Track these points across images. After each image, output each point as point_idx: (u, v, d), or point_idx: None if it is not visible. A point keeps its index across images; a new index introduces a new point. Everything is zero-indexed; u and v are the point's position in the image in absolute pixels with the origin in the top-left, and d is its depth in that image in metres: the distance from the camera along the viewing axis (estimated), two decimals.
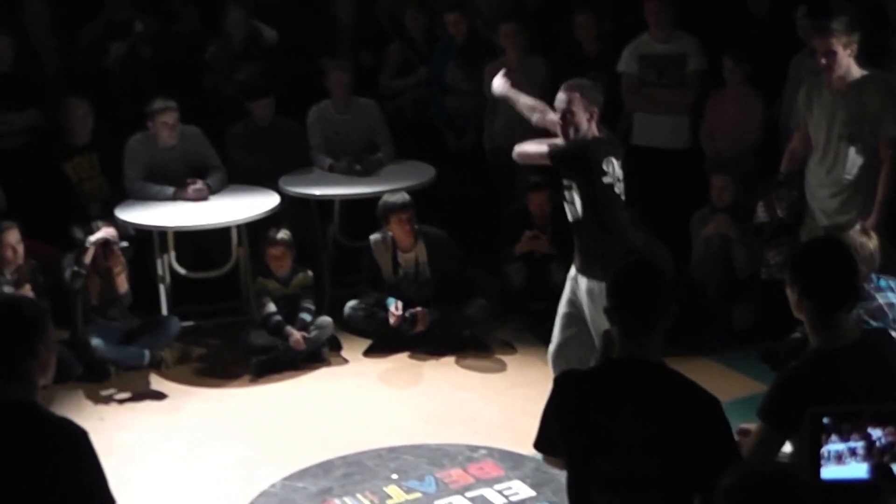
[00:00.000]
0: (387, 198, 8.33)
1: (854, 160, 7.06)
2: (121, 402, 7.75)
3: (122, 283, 8.04)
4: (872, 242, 5.55)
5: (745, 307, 8.25)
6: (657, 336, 3.93)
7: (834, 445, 3.31)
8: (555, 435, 3.97)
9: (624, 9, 9.70)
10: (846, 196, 7.12)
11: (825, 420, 3.28)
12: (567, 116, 6.16)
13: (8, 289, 7.50)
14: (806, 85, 7.29)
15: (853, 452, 3.35)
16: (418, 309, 8.26)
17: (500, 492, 6.51)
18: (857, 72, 6.96)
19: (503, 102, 9.39)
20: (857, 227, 5.77)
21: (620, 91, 8.97)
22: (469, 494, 6.48)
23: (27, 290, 7.53)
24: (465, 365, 8.14)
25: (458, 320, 8.38)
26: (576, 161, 6.16)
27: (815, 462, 3.25)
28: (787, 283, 4.14)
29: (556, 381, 4.02)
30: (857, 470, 3.35)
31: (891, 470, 3.53)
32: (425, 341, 8.36)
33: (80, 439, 3.75)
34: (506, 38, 9.32)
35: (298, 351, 8.05)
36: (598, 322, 5.96)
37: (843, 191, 7.12)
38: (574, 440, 3.90)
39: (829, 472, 3.45)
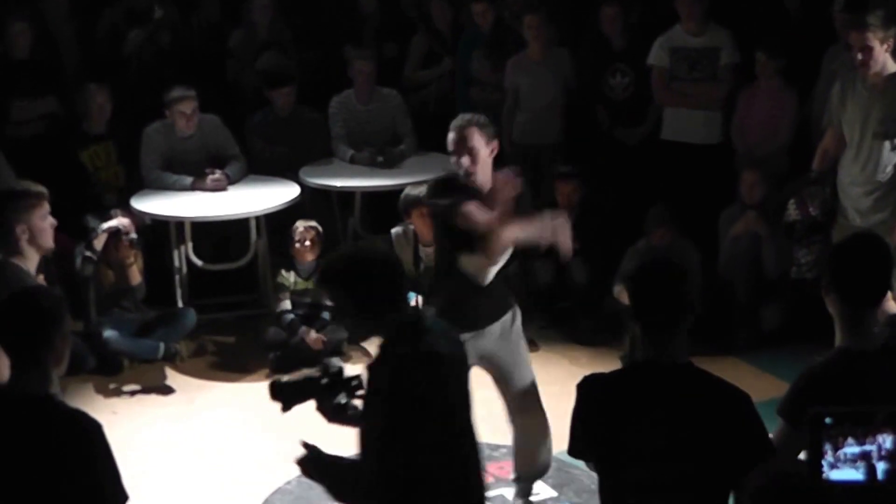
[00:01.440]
0: (409, 191, 8.28)
1: (889, 158, 7.01)
2: (134, 395, 7.73)
3: (135, 275, 8.03)
4: None
5: (775, 307, 8.20)
6: (681, 335, 3.88)
7: (850, 448, 3.27)
8: (584, 441, 3.93)
9: (652, 1, 9.66)
10: (880, 194, 7.07)
11: (828, 420, 3.24)
12: (473, 155, 5.62)
13: None
14: (840, 80, 7.22)
15: (866, 456, 3.31)
16: None
17: None
18: (893, 67, 6.89)
19: (525, 98, 9.42)
20: None
21: (649, 84, 8.94)
22: (488, 494, 6.41)
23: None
24: None
25: None
26: None
27: (817, 463, 3.22)
28: (822, 276, 4.13)
29: (581, 388, 3.96)
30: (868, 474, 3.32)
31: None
32: None
33: (94, 432, 3.75)
34: (529, 29, 9.26)
35: (316, 350, 8.04)
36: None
37: (877, 189, 7.07)
38: (605, 449, 3.86)
39: (840, 474, 3.41)
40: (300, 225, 8.30)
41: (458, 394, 3.98)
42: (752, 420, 3.83)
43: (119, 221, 7.94)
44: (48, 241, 5.17)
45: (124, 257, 7.94)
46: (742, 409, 3.83)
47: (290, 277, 8.29)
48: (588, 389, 3.94)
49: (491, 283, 5.84)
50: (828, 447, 3.31)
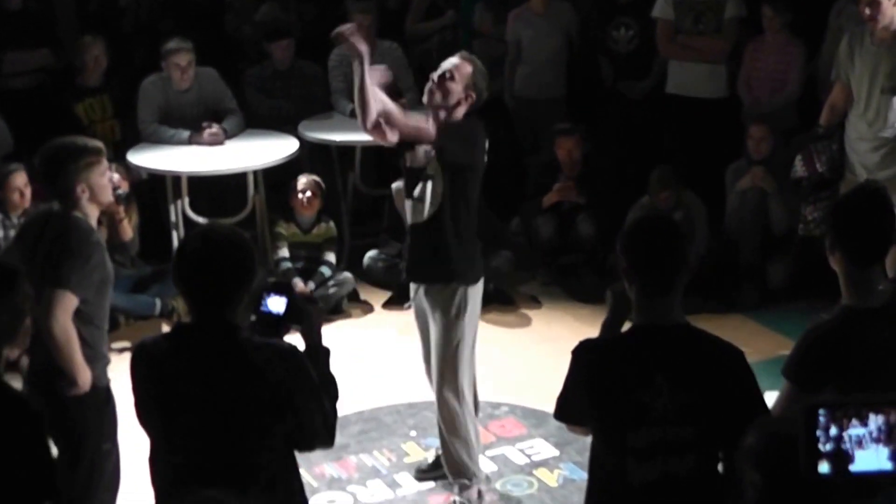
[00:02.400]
0: None
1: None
2: (130, 352, 7.71)
3: (126, 231, 7.99)
4: None
5: (781, 264, 8.18)
6: (677, 294, 3.80)
7: (854, 430, 3.23)
8: (579, 406, 3.87)
9: None
10: (887, 150, 7.03)
11: (821, 413, 3.20)
12: (444, 80, 5.61)
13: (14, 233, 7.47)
14: (848, 35, 7.19)
15: (873, 436, 3.26)
16: None
17: (521, 451, 6.47)
18: None
19: (527, 50, 9.37)
20: None
21: (654, 38, 8.88)
22: (490, 453, 6.44)
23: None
24: (488, 319, 8.05)
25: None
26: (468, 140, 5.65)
27: (813, 456, 3.17)
28: (825, 231, 4.10)
29: (577, 353, 3.87)
30: (880, 455, 3.26)
31: None
32: None
33: (34, 421, 3.69)
34: None
35: None
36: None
37: (885, 145, 7.04)
38: (606, 415, 3.80)
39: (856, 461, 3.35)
40: (302, 178, 8.30)
41: None
42: (747, 378, 3.79)
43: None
44: (108, 196, 5.18)
45: (114, 213, 7.89)
46: (738, 368, 3.79)
47: (288, 228, 8.30)
48: (583, 355, 3.86)
49: (417, 237, 5.76)
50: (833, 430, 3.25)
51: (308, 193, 8.25)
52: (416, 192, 5.66)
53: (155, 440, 3.82)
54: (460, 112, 5.62)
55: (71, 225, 4.94)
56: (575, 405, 3.89)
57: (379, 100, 5.49)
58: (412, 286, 5.92)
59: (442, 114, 5.61)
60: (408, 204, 5.77)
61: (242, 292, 3.75)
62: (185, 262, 3.76)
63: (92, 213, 5.07)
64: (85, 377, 4.91)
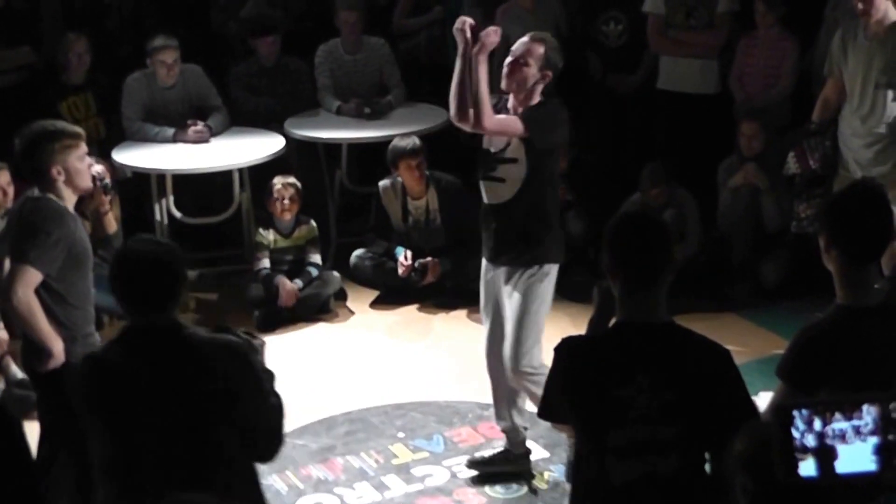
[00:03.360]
0: (397, 142, 8.27)
1: (891, 109, 6.98)
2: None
3: (111, 224, 7.94)
4: None
5: (774, 262, 8.17)
6: (661, 292, 3.78)
7: (838, 424, 3.21)
8: (562, 405, 3.87)
9: None
10: (881, 147, 7.04)
11: (795, 413, 3.18)
12: (519, 66, 5.76)
13: None
14: (841, 29, 7.20)
15: (858, 431, 3.24)
16: (429, 259, 8.23)
17: None
18: (894, 16, 6.86)
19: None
20: None
21: (644, 32, 8.86)
22: (480, 454, 6.42)
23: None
24: (476, 318, 7.96)
25: (470, 272, 8.22)
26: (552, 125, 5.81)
27: (789, 459, 3.15)
28: (819, 230, 4.07)
29: (559, 351, 3.87)
30: (863, 451, 3.24)
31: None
32: (436, 293, 8.33)
33: (12, 428, 3.71)
34: None
35: (290, 306, 8.01)
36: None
37: (879, 141, 7.04)
38: (586, 413, 3.80)
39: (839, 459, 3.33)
40: (278, 181, 8.22)
41: None
42: (734, 379, 3.77)
43: (93, 168, 7.86)
44: (86, 181, 5.29)
45: (99, 205, 7.85)
46: (724, 368, 3.77)
47: (268, 235, 8.25)
48: (567, 352, 3.86)
49: (497, 219, 5.87)
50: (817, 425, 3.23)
51: (285, 200, 8.18)
52: (497, 173, 5.79)
53: (106, 447, 3.87)
54: (538, 91, 5.78)
55: (40, 205, 5.10)
56: (557, 403, 3.88)
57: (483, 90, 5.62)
58: (484, 264, 6.03)
59: (521, 97, 5.76)
60: (483, 185, 5.89)
61: (178, 290, 3.94)
62: (120, 273, 3.96)
63: (68, 197, 5.18)
64: (57, 347, 5.07)
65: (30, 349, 5.16)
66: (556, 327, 7.59)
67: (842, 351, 3.91)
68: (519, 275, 5.84)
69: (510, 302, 5.88)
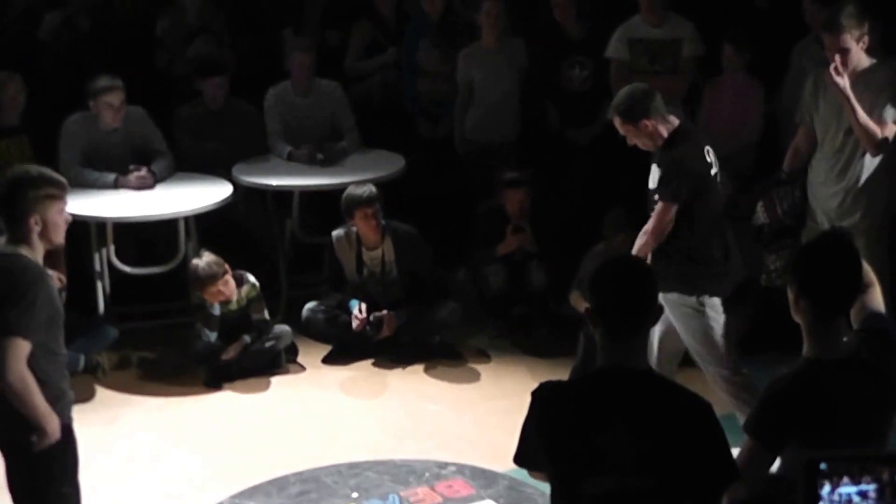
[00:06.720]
0: (351, 190, 8.25)
1: (861, 157, 7.08)
2: None
3: (62, 279, 7.99)
4: None
5: (743, 315, 8.27)
6: (643, 340, 3.91)
7: (845, 488, 3.32)
8: (537, 450, 3.94)
9: None
10: (852, 196, 7.15)
11: (822, 466, 3.28)
12: (629, 127, 6.70)
13: None
14: (813, 76, 7.26)
15: (864, 496, 3.35)
16: (384, 312, 8.25)
17: None
18: (866, 62, 6.96)
19: (479, 91, 9.46)
20: None
21: (608, 78, 8.98)
22: None
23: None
24: (434, 374, 8.15)
25: (427, 325, 8.38)
26: None
27: None
28: (789, 281, 4.18)
29: (536, 395, 3.96)
30: None
31: None
32: (391, 348, 8.35)
33: None
34: (487, 16, 9.32)
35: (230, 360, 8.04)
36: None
37: (849, 191, 7.15)
38: (561, 460, 3.87)
39: None
40: (199, 266, 7.92)
41: None
42: (714, 432, 3.86)
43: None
44: (59, 237, 5.09)
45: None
46: (704, 420, 3.85)
47: (216, 309, 8.12)
48: (544, 396, 3.94)
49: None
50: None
51: (217, 287, 7.96)
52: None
53: None
54: (662, 135, 6.64)
55: (16, 265, 4.89)
56: (533, 449, 3.95)
57: None
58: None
59: (652, 149, 6.67)
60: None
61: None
62: None
63: (39, 251, 5.00)
64: (53, 425, 4.92)
65: (15, 424, 4.91)
66: (514, 383, 7.74)
67: (810, 406, 4.01)
68: (668, 300, 6.57)
69: (679, 327, 6.84)
